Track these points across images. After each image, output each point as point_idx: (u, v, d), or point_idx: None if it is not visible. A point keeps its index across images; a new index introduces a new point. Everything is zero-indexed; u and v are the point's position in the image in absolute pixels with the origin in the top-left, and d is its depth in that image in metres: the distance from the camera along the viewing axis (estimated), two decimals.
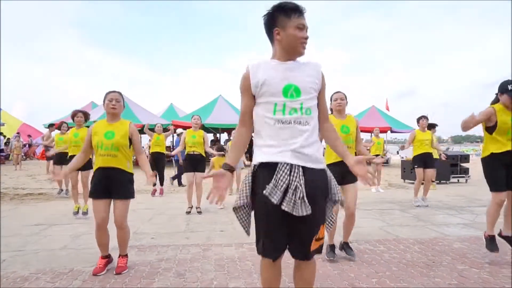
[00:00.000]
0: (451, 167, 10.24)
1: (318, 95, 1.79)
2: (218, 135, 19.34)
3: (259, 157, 1.71)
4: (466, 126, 3.31)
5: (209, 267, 3.23)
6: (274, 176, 1.61)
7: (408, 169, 9.93)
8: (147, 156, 8.02)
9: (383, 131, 18.97)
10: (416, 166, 6.53)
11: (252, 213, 1.78)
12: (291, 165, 1.62)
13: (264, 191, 1.59)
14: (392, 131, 18.72)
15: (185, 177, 6.42)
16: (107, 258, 3.17)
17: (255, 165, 1.73)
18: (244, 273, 3.09)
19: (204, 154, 5.92)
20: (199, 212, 5.79)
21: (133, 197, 3.13)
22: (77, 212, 5.42)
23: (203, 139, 5.89)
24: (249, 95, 1.74)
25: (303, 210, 1.58)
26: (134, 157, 3.34)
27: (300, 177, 1.61)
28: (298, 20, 1.68)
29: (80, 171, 5.28)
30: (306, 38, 1.70)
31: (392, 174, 12.48)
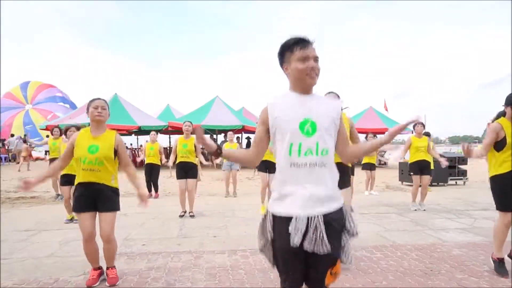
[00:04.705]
0: (448, 169, 10.16)
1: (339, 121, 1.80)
2: (215, 136, 19.24)
3: (276, 206, 1.70)
4: (479, 156, 3.20)
5: (199, 277, 3.13)
6: (293, 223, 1.62)
7: (406, 171, 9.86)
8: (143, 164, 7.90)
9: (381, 132, 18.90)
10: (412, 174, 6.53)
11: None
12: (308, 216, 1.63)
13: (292, 240, 1.60)
14: None
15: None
16: (100, 269, 3.06)
17: (272, 213, 1.72)
18: (236, 283, 2.99)
19: (195, 162, 5.81)
20: (192, 216, 5.69)
21: (118, 209, 2.99)
22: (70, 220, 5.30)
23: (195, 146, 5.77)
24: (265, 127, 1.76)
25: (324, 248, 1.60)
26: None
27: (320, 219, 1.62)
28: (301, 53, 1.67)
29: (71, 186, 5.17)
30: (312, 68, 1.66)
31: (390, 176, 12.40)
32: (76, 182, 2.92)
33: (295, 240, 1.58)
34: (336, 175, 1.74)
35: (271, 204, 1.74)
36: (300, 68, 1.66)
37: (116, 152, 2.96)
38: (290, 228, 1.60)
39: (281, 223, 1.66)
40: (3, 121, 22.70)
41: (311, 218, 1.61)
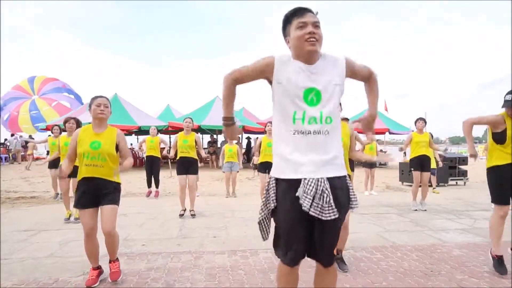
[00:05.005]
0: (449, 170, 10.16)
1: (350, 73, 1.78)
2: (215, 136, 19.23)
3: (280, 170, 1.68)
4: (468, 124, 3.23)
5: (199, 277, 3.12)
6: (302, 186, 1.60)
7: (406, 171, 9.85)
8: (143, 159, 7.93)
9: (381, 132, 18.89)
10: (413, 169, 6.49)
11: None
12: (316, 178, 1.62)
13: (298, 194, 1.59)
14: (390, 133, 18.64)
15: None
16: (99, 269, 3.06)
17: (276, 178, 1.70)
18: (236, 283, 2.98)
19: (196, 157, 5.81)
20: (193, 215, 5.68)
21: (118, 204, 3.01)
22: (68, 219, 5.31)
23: (195, 142, 5.78)
24: (259, 74, 1.70)
25: (330, 214, 1.59)
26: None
27: (326, 184, 1.61)
28: (297, 20, 1.64)
29: (71, 178, 5.15)
30: (311, 33, 1.60)
31: (390, 176, 12.40)
32: (78, 178, 2.94)
33: (305, 203, 1.56)
34: (340, 143, 1.73)
35: (274, 170, 1.70)
36: (298, 35, 1.62)
37: (117, 147, 3.01)
38: (299, 192, 1.58)
39: (286, 188, 1.64)
40: (12, 110, 23.88)
41: (319, 182, 1.59)
